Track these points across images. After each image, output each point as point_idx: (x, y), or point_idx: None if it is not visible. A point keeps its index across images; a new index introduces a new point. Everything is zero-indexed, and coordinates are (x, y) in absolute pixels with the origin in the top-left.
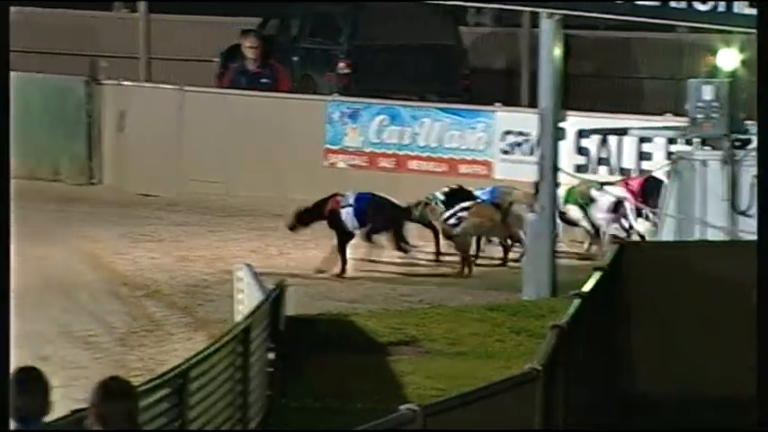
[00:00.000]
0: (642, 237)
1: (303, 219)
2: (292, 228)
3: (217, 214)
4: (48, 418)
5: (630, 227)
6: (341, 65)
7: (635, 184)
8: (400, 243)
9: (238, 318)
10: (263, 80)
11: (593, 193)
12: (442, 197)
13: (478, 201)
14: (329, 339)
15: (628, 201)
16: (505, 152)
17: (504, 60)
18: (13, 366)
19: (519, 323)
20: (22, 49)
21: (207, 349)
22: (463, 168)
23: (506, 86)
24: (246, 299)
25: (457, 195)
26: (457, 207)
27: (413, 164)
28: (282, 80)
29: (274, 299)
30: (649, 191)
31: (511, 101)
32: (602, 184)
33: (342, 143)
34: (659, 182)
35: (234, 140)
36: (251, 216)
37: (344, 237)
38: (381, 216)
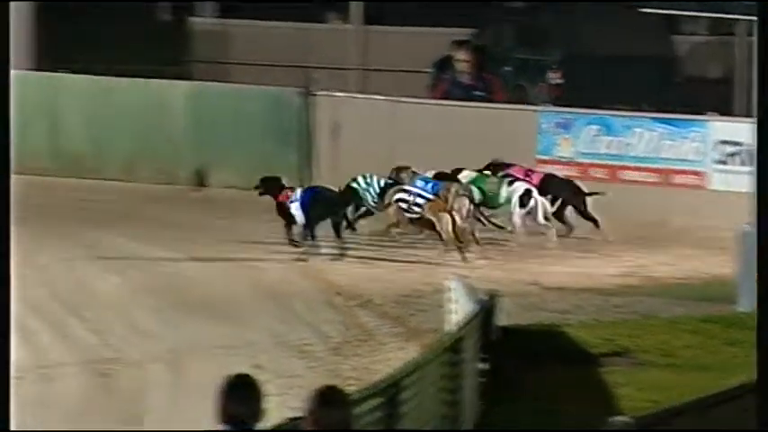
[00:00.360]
0: None
1: (265, 189)
2: (258, 190)
3: None
4: (261, 425)
5: None
6: (553, 75)
7: (535, 178)
8: (338, 230)
9: (450, 328)
10: (477, 92)
11: None
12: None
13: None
14: (541, 350)
15: None
16: (720, 162)
17: (719, 69)
18: (229, 375)
19: (734, 335)
20: (239, 62)
21: (419, 359)
22: (677, 179)
23: (720, 95)
24: (458, 309)
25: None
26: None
27: (625, 174)
28: (496, 92)
29: (486, 309)
30: (546, 188)
31: (725, 110)
32: None
33: (553, 153)
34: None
35: (446, 150)
36: None
37: (289, 223)
38: (321, 206)
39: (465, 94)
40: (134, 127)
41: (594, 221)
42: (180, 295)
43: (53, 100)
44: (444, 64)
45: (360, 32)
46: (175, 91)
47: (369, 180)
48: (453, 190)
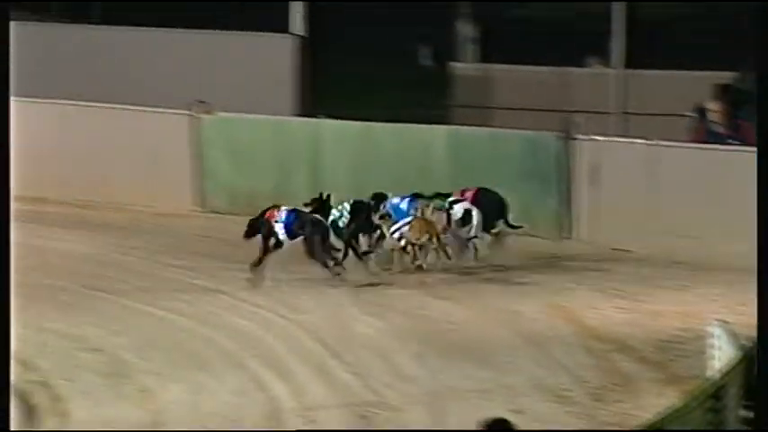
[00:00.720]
0: None
1: (249, 231)
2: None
3: (690, 269)
4: None
5: None
6: None
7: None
8: (313, 253)
9: (712, 374)
10: (731, 141)
11: None
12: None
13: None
14: None
15: None
16: None
17: None
18: (487, 418)
19: None
20: (499, 106)
21: (680, 406)
22: None
23: None
24: (721, 355)
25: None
26: (401, 222)
27: None
28: (750, 138)
29: (750, 355)
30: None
31: None
32: None
33: None
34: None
35: (708, 195)
36: (725, 271)
37: (269, 243)
38: (302, 229)
39: (720, 142)
40: (394, 171)
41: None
42: (439, 339)
43: (315, 145)
44: (702, 111)
45: (620, 76)
46: (435, 135)
47: (342, 205)
48: (431, 207)
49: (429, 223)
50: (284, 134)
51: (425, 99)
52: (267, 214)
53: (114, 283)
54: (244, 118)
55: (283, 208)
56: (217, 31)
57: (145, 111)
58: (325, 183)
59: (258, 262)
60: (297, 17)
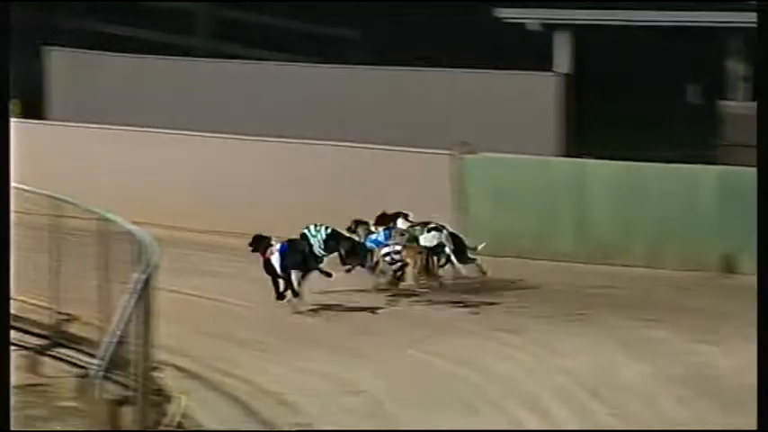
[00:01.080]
0: None
1: (255, 246)
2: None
3: None
4: None
5: None
6: None
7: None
8: (299, 282)
9: None
10: None
11: None
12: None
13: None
14: None
15: None
16: None
17: None
18: None
19: None
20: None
21: None
22: None
23: None
24: None
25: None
26: (390, 248)
27: None
28: None
29: None
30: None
31: None
32: None
33: None
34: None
35: None
36: None
37: (276, 277)
38: (294, 258)
39: None
40: (661, 212)
41: None
42: (708, 385)
43: (579, 185)
44: None
45: None
46: (706, 175)
47: (317, 228)
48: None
49: (417, 249)
50: (548, 174)
51: (694, 138)
52: None
53: (383, 324)
54: (507, 158)
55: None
56: (481, 70)
57: (408, 151)
58: (589, 223)
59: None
60: (561, 55)
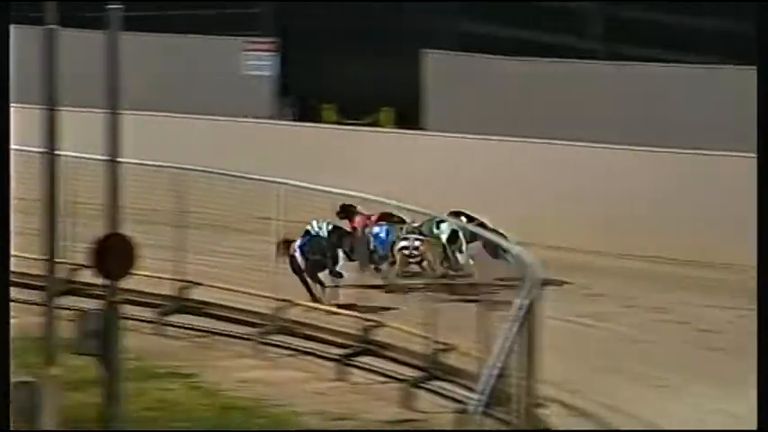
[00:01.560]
0: None
1: (281, 249)
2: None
3: None
4: None
5: None
6: None
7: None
8: (332, 273)
9: None
10: None
11: None
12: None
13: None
14: None
15: None
16: None
17: None
18: None
19: None
20: None
21: None
22: None
23: None
24: None
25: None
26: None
27: None
28: None
29: None
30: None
31: None
32: None
33: None
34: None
35: None
36: None
37: (301, 275)
38: (319, 251)
39: None
40: None
41: None
42: None
43: None
44: None
45: None
46: None
47: (320, 224)
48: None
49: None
50: None
51: None
52: None
53: None
54: None
55: None
56: None
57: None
58: None
59: None
60: None
